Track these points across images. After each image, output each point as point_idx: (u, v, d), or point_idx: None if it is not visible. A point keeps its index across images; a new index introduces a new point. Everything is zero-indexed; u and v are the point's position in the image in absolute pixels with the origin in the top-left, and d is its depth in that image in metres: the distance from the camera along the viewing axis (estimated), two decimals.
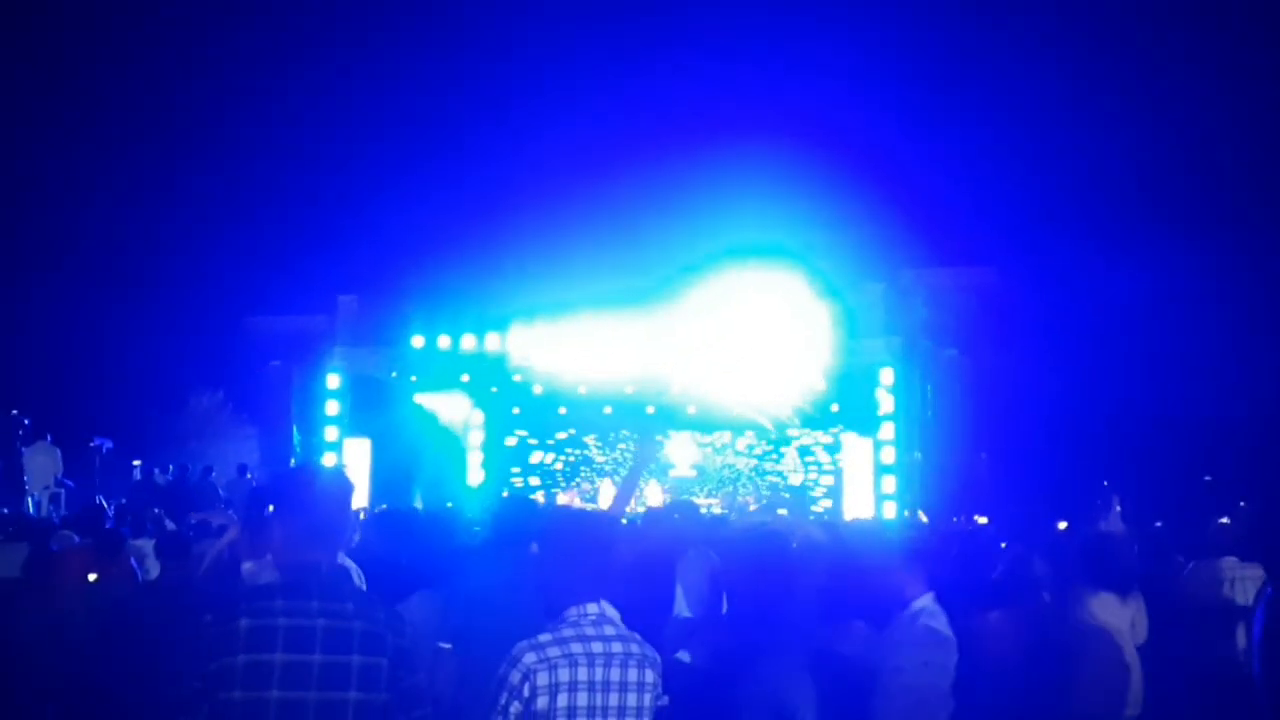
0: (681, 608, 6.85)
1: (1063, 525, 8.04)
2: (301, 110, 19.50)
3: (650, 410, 16.49)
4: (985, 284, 15.84)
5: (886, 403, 14.04)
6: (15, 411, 14.04)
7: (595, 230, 16.39)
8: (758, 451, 16.91)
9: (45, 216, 18.31)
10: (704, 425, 16.90)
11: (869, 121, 18.14)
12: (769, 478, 16.58)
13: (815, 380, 14.99)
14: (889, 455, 13.92)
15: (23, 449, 13.75)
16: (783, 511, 13.11)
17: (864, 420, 14.45)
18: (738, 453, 16.99)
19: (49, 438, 14.03)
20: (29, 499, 13.18)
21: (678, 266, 14.74)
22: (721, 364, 14.62)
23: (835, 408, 15.52)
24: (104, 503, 10.86)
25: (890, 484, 13.83)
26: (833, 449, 15.79)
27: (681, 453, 17.05)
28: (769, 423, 16.37)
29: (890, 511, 13.49)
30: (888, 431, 14.00)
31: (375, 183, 19.31)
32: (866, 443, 14.30)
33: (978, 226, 16.87)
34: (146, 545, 7.53)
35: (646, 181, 17.05)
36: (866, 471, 14.20)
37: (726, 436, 17.03)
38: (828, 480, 15.93)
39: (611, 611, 3.21)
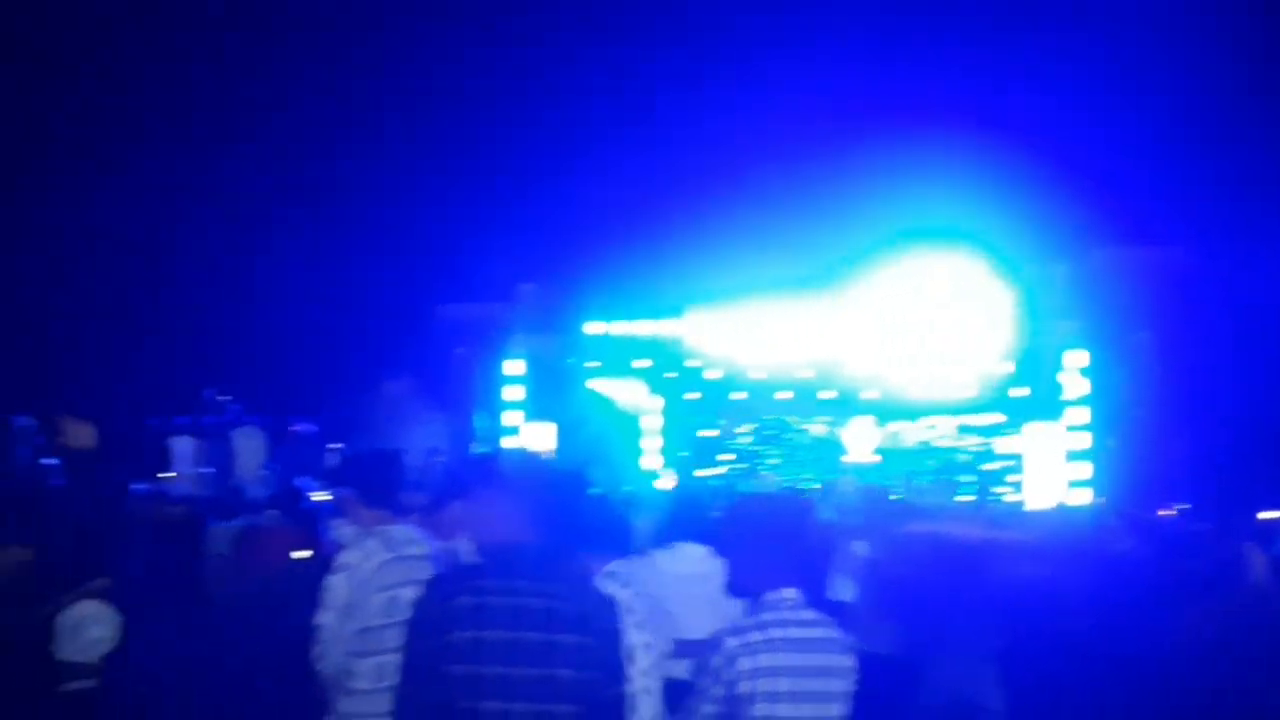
0: (840, 592, 6.83)
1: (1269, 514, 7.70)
2: (482, 101, 19.97)
3: (830, 395, 16.37)
4: (1178, 264, 15.13)
5: (1075, 387, 13.59)
6: (222, 396, 14.90)
7: (772, 214, 16.30)
8: (938, 436, 16.57)
9: (251, 212, 19.29)
10: (884, 410, 16.65)
11: (1051, 97, 17.49)
12: (950, 463, 16.23)
13: (998, 363, 14.63)
14: (1079, 441, 13.48)
15: (230, 432, 14.58)
16: (963, 498, 12.86)
17: (1049, 405, 14.02)
18: (919, 438, 16.69)
19: (255, 421, 14.82)
20: (237, 479, 13.97)
21: (856, 249, 14.57)
22: (902, 347, 14.41)
23: (1019, 392, 15.10)
24: (303, 485, 11.40)
25: (1081, 471, 13.39)
26: (1015, 434, 15.37)
27: (861, 438, 16.84)
28: (950, 407, 16.04)
29: (1083, 499, 13.06)
30: (1077, 416, 13.55)
31: (555, 171, 19.63)
32: (1051, 428, 13.87)
33: (1169, 204, 16.08)
34: (348, 526, 7.88)
35: (824, 164, 16.85)
36: (1052, 458, 13.78)
37: (907, 421, 16.74)
38: (1010, 466, 15.51)
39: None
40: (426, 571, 4.12)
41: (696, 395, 17.37)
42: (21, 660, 3.53)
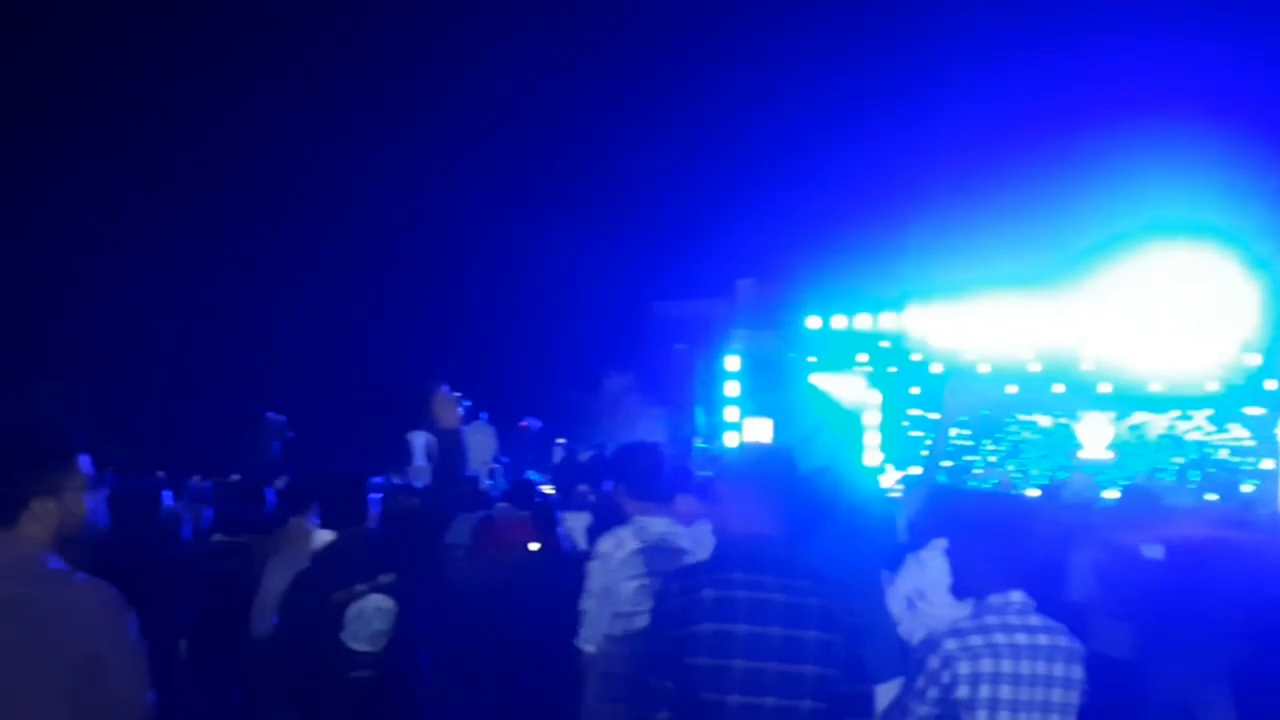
0: (1076, 593, 6.62)
1: None
2: (702, 101, 20.13)
3: (1059, 389, 15.77)
4: None
5: None
6: (457, 394, 15.52)
7: (999, 207, 15.79)
8: (1181, 431, 15.76)
9: (479, 219, 20.03)
10: (1120, 403, 15.91)
11: None
12: (1194, 459, 15.41)
13: (1244, 354, 13.82)
14: None
15: (463, 428, 15.19)
16: (1208, 497, 12.22)
17: None
18: (1158, 433, 15.91)
19: (485, 417, 15.38)
20: (471, 472, 14.55)
21: (1089, 244, 13.99)
22: (1138, 337, 13.78)
23: (1270, 384, 14.22)
24: (534, 478, 11.81)
25: None
26: (1265, 427, 14.47)
27: (1095, 433, 16.17)
28: (1193, 400, 15.22)
29: None
30: None
31: (773, 166, 19.60)
32: None
33: None
34: (576, 519, 8.16)
35: (1054, 155, 16.22)
36: None
37: (1145, 416, 15.97)
38: (1257, 462, 14.62)
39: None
40: (677, 561, 4.29)
41: (918, 390, 17.04)
42: (313, 641, 3.76)
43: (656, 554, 4.57)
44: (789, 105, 20.05)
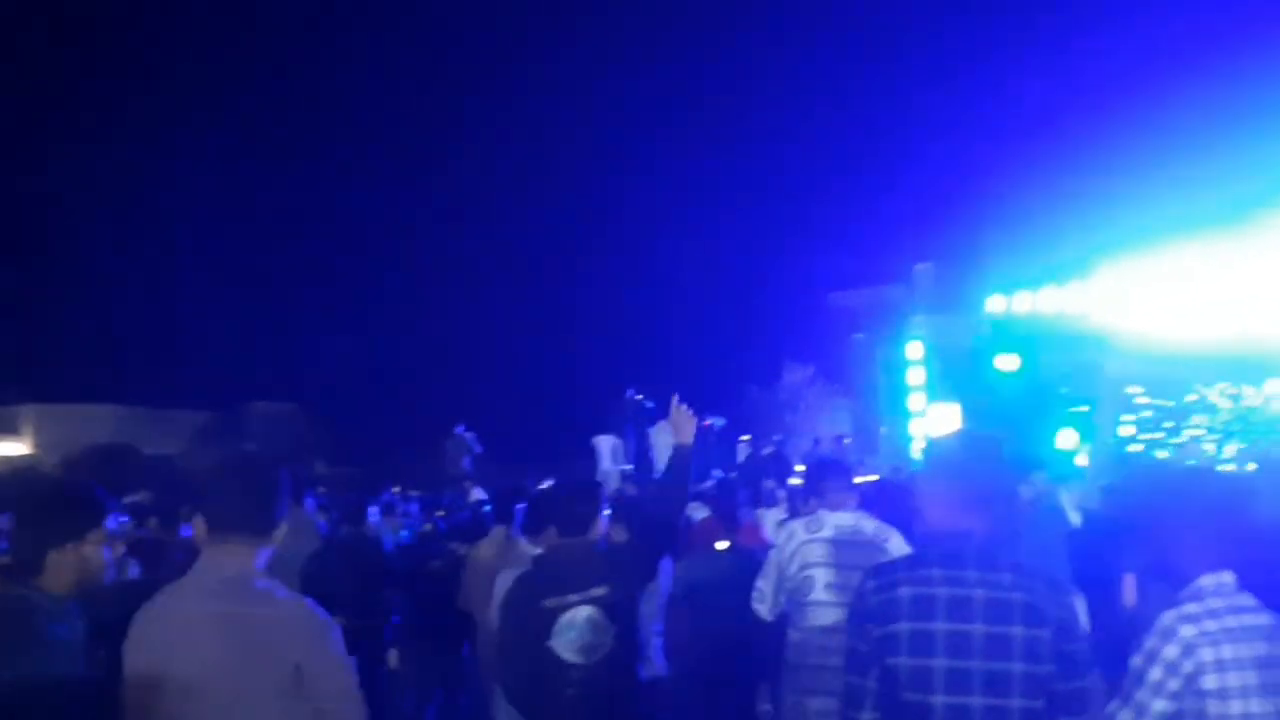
0: None
1: None
2: (865, 89, 19.91)
3: (1263, 354, 14.92)
4: None
5: None
6: (640, 396, 15.74)
7: (1175, 148, 14.96)
8: None
9: (655, 219, 20.28)
10: None
11: None
12: None
13: None
14: None
15: (649, 429, 15.38)
16: None
17: None
18: None
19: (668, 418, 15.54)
20: (658, 473, 14.71)
21: (1272, 180, 13.07)
22: None
23: None
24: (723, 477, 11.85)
25: None
26: None
27: None
28: None
29: None
30: None
31: (939, 146, 19.24)
32: None
33: None
34: (769, 514, 8.20)
35: (1230, 84, 15.30)
36: None
37: None
38: None
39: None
40: (869, 554, 4.31)
41: (1117, 367, 16.42)
42: (529, 646, 3.90)
43: (826, 546, 4.64)
44: (949, 86, 19.65)
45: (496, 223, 21.08)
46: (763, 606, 4.87)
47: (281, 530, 2.94)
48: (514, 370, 20.66)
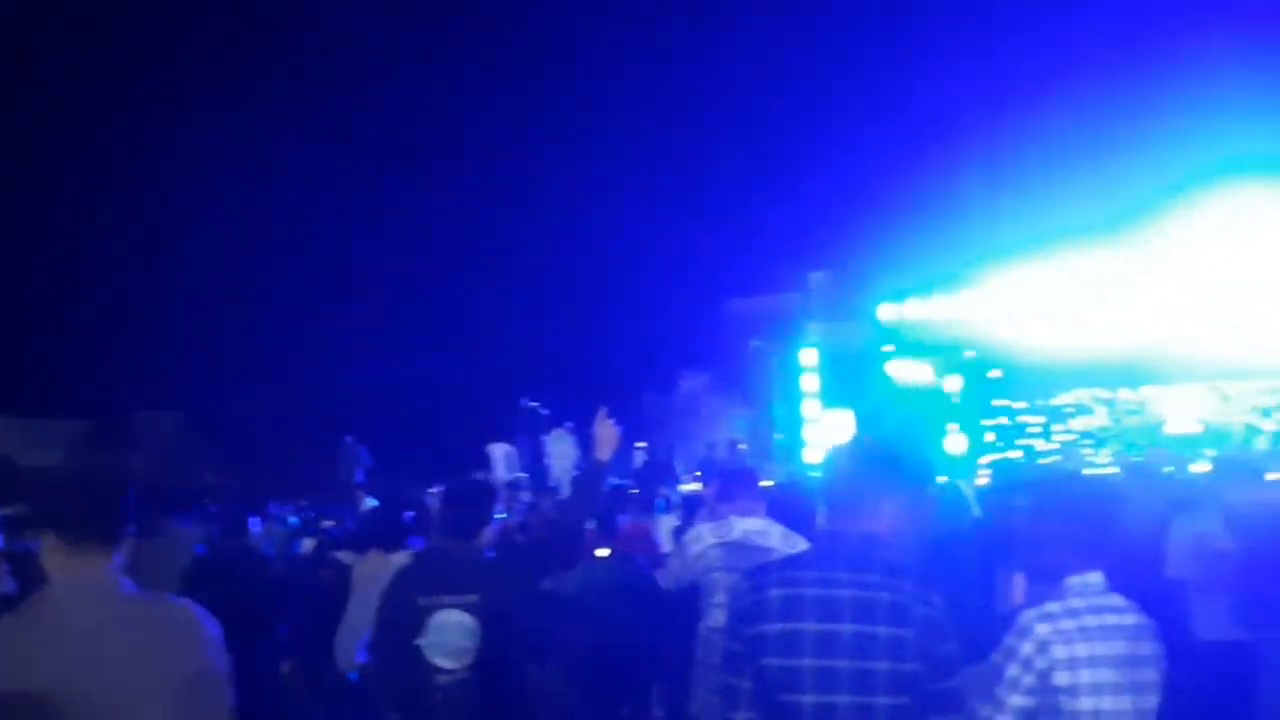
0: (1175, 570, 6.49)
1: None
2: (752, 96, 20.09)
3: (1140, 362, 15.42)
4: None
5: None
6: (535, 404, 15.67)
7: (1064, 158, 15.37)
8: (1269, 401, 15.32)
9: (549, 226, 20.19)
10: (1204, 374, 15.50)
11: None
12: None
13: None
14: None
15: (543, 437, 15.31)
16: None
17: None
18: (1249, 404, 15.47)
19: (566, 425, 15.48)
20: (553, 481, 14.64)
21: (1160, 190, 13.51)
22: (1219, 302, 13.40)
23: None
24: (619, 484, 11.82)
25: None
26: None
27: (1180, 407, 15.78)
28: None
29: None
30: None
31: (833, 155, 19.49)
32: None
33: None
34: (663, 520, 8.21)
35: (1120, 94, 15.76)
36: None
37: (1232, 386, 15.53)
38: None
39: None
40: (759, 559, 4.36)
41: (998, 373, 16.80)
42: (401, 648, 3.83)
43: (736, 550, 4.74)
44: (841, 93, 19.94)
45: (388, 227, 20.77)
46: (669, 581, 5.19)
47: (128, 540, 2.83)
48: (406, 378, 20.37)
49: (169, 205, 20.63)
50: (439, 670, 3.76)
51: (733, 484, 5.22)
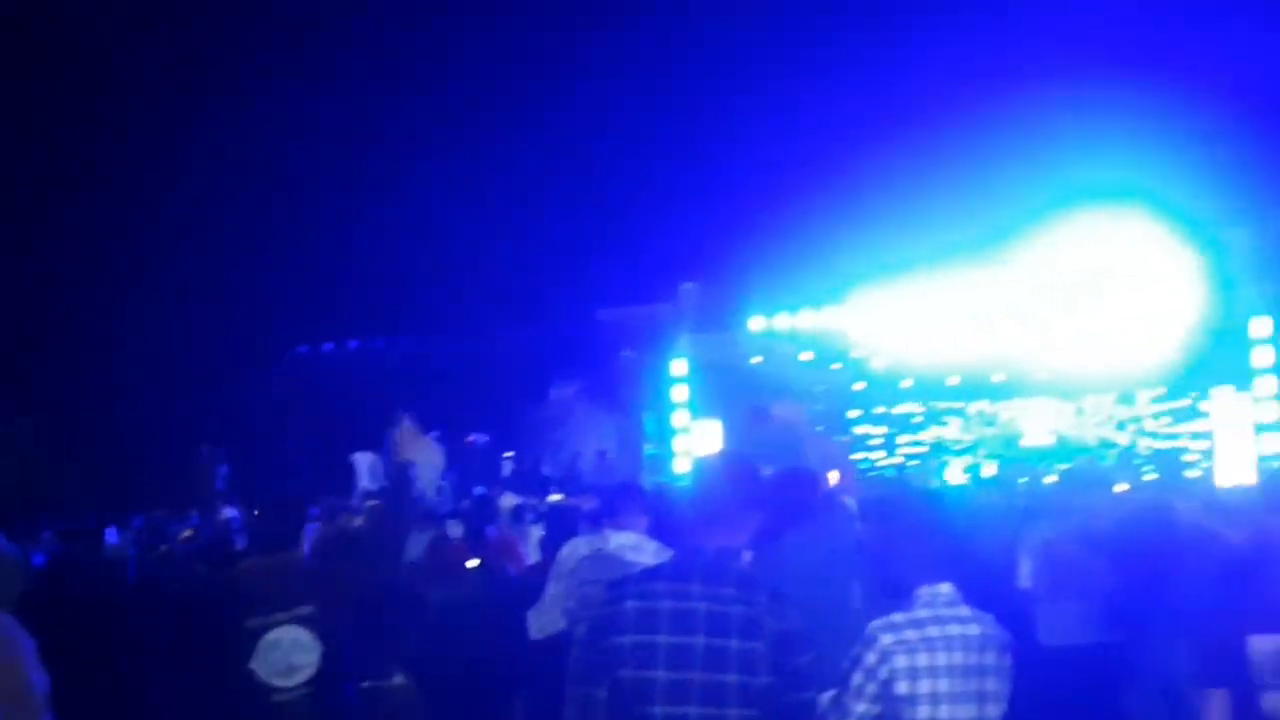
0: (1025, 580, 6.70)
1: None
2: (627, 103, 20.17)
3: (1000, 377, 15.94)
4: None
5: (1263, 356, 12.95)
6: (400, 411, 15.42)
7: (929, 183, 15.83)
8: (1122, 415, 15.95)
9: (416, 230, 19.93)
10: (1060, 389, 16.09)
11: (1236, 42, 16.48)
12: (1135, 443, 15.62)
13: (1181, 334, 13.99)
14: (1270, 413, 12.83)
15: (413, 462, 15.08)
16: (1149, 477, 12.40)
17: (1237, 376, 13.38)
18: (1101, 417, 16.09)
19: (433, 434, 15.28)
20: (418, 491, 14.43)
21: (1021, 213, 13.99)
22: (1075, 320, 13.92)
23: (1203, 364, 14.43)
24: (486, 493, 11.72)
25: (1273, 443, 12.74)
26: (1200, 411, 14.68)
27: (1036, 420, 16.35)
28: (1132, 381, 15.41)
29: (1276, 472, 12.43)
30: (1266, 387, 12.89)
31: (709, 167, 19.68)
32: (1241, 400, 13.22)
33: None
34: (531, 531, 8.15)
35: (981, 123, 16.28)
36: (1242, 432, 13.13)
37: (1085, 400, 16.15)
38: (1198, 444, 14.83)
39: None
40: (620, 572, 4.38)
41: (863, 385, 17.14)
42: (229, 667, 3.70)
43: (600, 563, 4.74)
44: (717, 105, 20.14)
45: (247, 224, 20.23)
46: (537, 622, 5.11)
47: None
48: (271, 386, 19.90)
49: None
50: (274, 689, 3.66)
51: (615, 498, 5.24)
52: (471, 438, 16.79)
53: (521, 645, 5.63)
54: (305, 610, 3.73)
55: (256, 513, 4.08)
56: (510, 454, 16.81)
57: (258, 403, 19.44)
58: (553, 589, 5.10)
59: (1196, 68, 15.98)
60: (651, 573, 2.99)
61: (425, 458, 14.37)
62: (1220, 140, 15.23)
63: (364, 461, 14.54)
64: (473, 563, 6.39)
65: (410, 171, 20.24)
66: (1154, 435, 15.50)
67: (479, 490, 12.14)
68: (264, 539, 3.95)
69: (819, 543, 4.39)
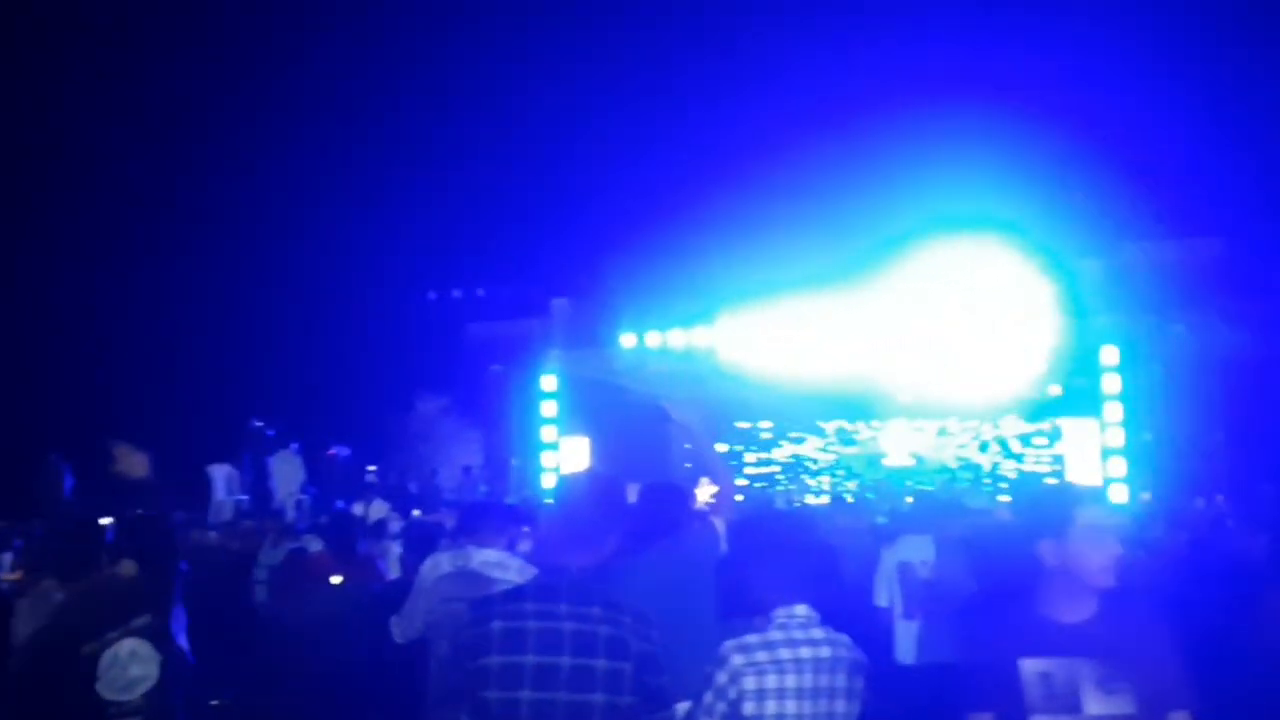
0: (881, 599, 6.82)
1: None
2: (505, 121, 20.08)
3: (863, 398, 16.27)
4: (1214, 256, 14.96)
5: (1112, 383, 13.47)
6: (260, 423, 15.01)
7: (797, 209, 16.11)
8: (977, 438, 16.46)
9: (277, 241, 19.47)
10: (919, 412, 16.53)
11: (1085, 82, 17.19)
12: (993, 465, 16.12)
13: (1036, 361, 14.47)
14: (1116, 438, 13.35)
15: (268, 458, 14.69)
16: (1003, 498, 12.77)
17: (1088, 402, 13.90)
18: (957, 439, 16.57)
19: (293, 446, 14.92)
20: (276, 504, 14.06)
21: (883, 242, 14.32)
22: (935, 345, 14.29)
23: (1057, 390, 14.99)
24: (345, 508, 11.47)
25: (1118, 467, 13.26)
26: (1054, 434, 15.25)
27: (896, 441, 16.76)
28: (989, 405, 15.90)
29: (1121, 496, 12.95)
30: (1114, 413, 13.41)
31: (583, 186, 19.68)
32: (1091, 426, 13.74)
33: (1205, 195, 15.88)
34: (390, 547, 7.99)
35: (848, 152, 16.66)
36: (1092, 456, 13.65)
37: (944, 423, 16.62)
38: (1051, 467, 15.39)
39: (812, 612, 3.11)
40: (484, 590, 4.30)
41: (731, 404, 17.30)
42: (66, 697, 3.53)
43: (464, 580, 4.67)
44: (591, 122, 20.19)
45: (103, 237, 19.53)
46: (398, 628, 5.07)
47: None
48: (127, 393, 19.18)
49: None
50: (112, 704, 3.50)
51: (473, 515, 5.19)
52: (333, 450, 16.44)
53: (379, 662, 5.51)
54: (141, 621, 3.57)
55: (54, 537, 3.89)
56: (374, 468, 16.51)
57: (110, 411, 18.72)
58: (413, 605, 5.00)
59: (1053, 105, 16.60)
60: (517, 592, 2.96)
61: (284, 470, 14.03)
62: (1073, 174, 15.83)
63: (220, 473, 14.12)
64: (335, 579, 6.22)
65: (273, 178, 19.78)
66: (1012, 458, 16.03)
67: (340, 504, 11.88)
68: (65, 565, 3.75)
69: (675, 559, 4.37)
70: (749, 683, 2.93)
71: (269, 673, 6.18)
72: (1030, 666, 3.04)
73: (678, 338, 15.29)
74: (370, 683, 5.79)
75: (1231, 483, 11.88)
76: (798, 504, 13.09)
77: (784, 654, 2.98)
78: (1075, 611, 3.02)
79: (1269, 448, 12.89)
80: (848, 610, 3.64)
